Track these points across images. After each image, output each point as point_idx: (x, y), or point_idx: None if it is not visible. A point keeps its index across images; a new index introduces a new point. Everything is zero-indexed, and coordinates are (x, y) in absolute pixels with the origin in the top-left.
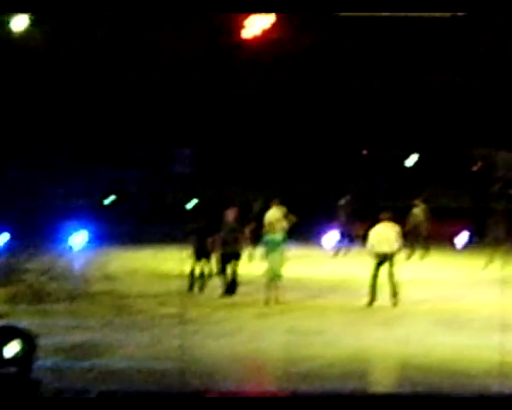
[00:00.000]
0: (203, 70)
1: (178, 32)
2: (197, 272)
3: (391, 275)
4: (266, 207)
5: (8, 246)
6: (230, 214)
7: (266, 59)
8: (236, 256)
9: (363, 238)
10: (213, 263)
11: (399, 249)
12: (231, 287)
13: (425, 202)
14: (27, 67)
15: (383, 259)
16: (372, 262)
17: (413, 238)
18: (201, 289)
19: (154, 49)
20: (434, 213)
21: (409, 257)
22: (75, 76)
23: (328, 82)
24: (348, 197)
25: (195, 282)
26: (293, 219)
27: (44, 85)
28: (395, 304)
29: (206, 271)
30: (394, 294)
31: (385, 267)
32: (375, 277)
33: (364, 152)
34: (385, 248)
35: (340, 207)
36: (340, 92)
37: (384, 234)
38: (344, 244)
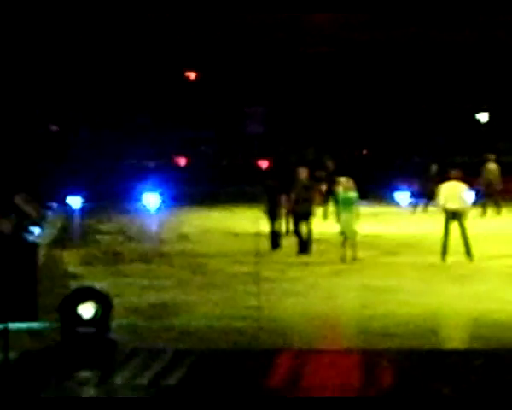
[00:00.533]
0: (275, 30)
1: None
2: (272, 230)
3: (462, 232)
4: (339, 166)
5: (84, 207)
6: (303, 173)
7: (338, 18)
8: (309, 215)
9: (433, 196)
10: (287, 221)
11: (469, 206)
12: (305, 245)
13: (497, 158)
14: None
15: (453, 216)
16: (443, 219)
17: (487, 194)
18: (276, 247)
19: (227, 14)
20: (506, 170)
21: (482, 213)
22: (153, 44)
23: (398, 39)
24: (435, 167)
25: (270, 240)
26: None
27: (124, 50)
28: (469, 261)
29: (281, 229)
30: (467, 250)
31: (456, 224)
32: (446, 234)
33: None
34: (455, 205)
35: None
36: (411, 49)
37: (453, 191)
38: (422, 202)
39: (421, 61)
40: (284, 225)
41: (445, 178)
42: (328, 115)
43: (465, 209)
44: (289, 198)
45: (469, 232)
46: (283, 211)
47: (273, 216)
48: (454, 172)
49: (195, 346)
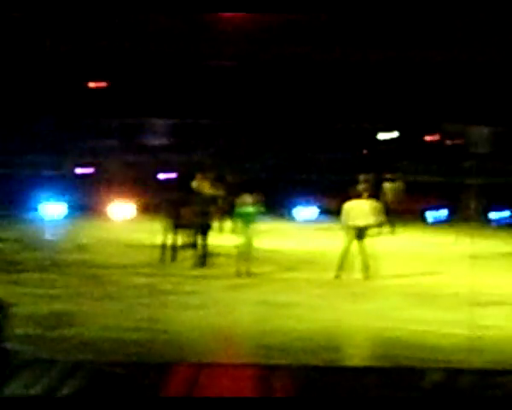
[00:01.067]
0: (177, 40)
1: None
2: (170, 243)
3: (363, 249)
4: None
5: None
6: (203, 186)
7: (243, 31)
8: (208, 228)
9: (338, 212)
10: (186, 234)
11: (373, 224)
12: (203, 259)
13: (399, 176)
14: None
15: (357, 233)
16: (345, 236)
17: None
18: (174, 260)
19: (126, 19)
20: (407, 188)
21: (381, 232)
22: (52, 45)
23: (304, 55)
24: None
25: (168, 253)
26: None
27: (22, 54)
28: (366, 278)
29: (179, 242)
30: (366, 268)
31: (357, 241)
32: (346, 250)
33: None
34: (359, 222)
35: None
36: (312, 65)
37: (359, 208)
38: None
39: (323, 79)
40: (183, 237)
41: (349, 195)
42: (231, 128)
43: (368, 227)
44: (189, 210)
45: (369, 250)
46: (185, 223)
47: (172, 228)
48: (359, 189)
49: (90, 357)
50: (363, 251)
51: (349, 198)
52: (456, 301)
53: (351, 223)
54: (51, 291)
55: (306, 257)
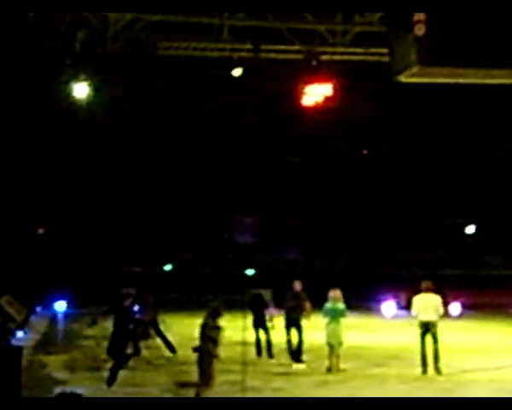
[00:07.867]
0: (261, 138)
1: (237, 101)
2: (260, 339)
3: (434, 343)
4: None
5: (68, 311)
6: (297, 284)
7: (325, 127)
8: (299, 323)
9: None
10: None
11: (441, 318)
12: (297, 354)
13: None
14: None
15: (426, 327)
16: (418, 331)
17: None
18: (265, 355)
19: (213, 119)
20: (495, 283)
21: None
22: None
23: (386, 151)
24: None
25: (258, 349)
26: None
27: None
28: (438, 371)
29: (267, 338)
30: (436, 362)
31: (427, 335)
32: (422, 345)
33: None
34: (427, 317)
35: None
36: (400, 161)
37: (426, 303)
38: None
39: (407, 173)
40: (270, 334)
41: (417, 289)
42: (317, 225)
43: (437, 321)
44: (279, 308)
45: (445, 344)
46: (271, 320)
47: (259, 325)
48: (425, 284)
49: None
50: (433, 345)
51: (417, 293)
52: None
53: (418, 317)
54: (140, 389)
55: (394, 352)
